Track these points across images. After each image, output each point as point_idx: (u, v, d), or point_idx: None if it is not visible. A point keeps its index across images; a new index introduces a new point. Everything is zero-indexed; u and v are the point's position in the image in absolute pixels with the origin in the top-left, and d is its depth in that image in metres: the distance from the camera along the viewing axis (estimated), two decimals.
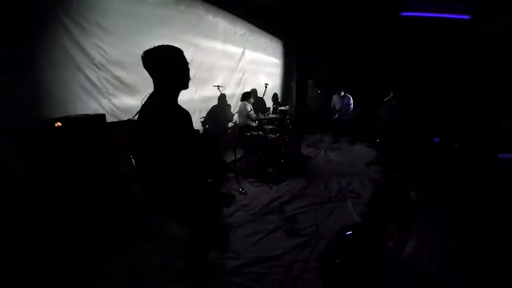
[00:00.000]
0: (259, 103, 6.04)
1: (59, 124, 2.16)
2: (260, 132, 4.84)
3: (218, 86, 4.38)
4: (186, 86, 1.57)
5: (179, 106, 1.53)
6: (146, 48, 1.46)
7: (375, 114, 6.16)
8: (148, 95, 1.54)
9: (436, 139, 4.69)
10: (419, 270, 1.88)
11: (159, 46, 1.47)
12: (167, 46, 1.49)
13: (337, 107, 6.61)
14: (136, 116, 1.56)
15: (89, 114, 2.61)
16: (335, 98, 6.69)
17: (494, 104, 4.98)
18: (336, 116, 6.60)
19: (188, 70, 1.56)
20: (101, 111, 2.89)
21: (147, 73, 1.49)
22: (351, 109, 6.52)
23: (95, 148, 2.45)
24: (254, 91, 6.04)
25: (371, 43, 7.44)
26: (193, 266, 1.94)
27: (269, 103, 7.05)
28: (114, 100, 3.09)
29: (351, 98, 6.52)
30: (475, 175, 3.54)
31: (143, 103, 2.26)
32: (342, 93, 6.52)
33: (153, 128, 1.42)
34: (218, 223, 1.89)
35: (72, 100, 2.68)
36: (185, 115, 1.51)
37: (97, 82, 2.89)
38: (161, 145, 1.44)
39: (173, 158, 1.45)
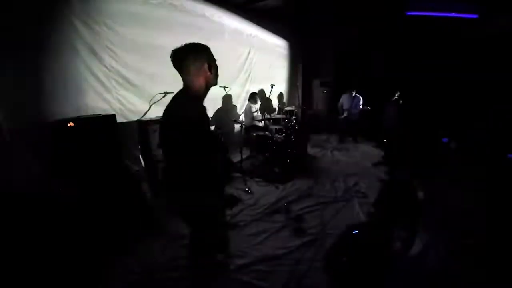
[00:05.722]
0: (265, 103, 6.06)
1: (71, 124, 2.22)
2: (267, 132, 4.85)
3: (224, 86, 4.41)
4: (214, 83, 1.53)
5: (204, 106, 1.48)
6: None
7: (382, 114, 6.11)
8: (177, 92, 1.50)
9: (445, 139, 4.64)
10: (425, 270, 1.87)
11: (186, 44, 1.43)
12: (194, 44, 1.45)
13: (345, 107, 6.49)
14: (145, 117, 1.57)
15: (99, 115, 2.67)
16: (344, 97, 6.56)
17: (504, 103, 4.89)
18: (345, 115, 6.47)
19: (216, 67, 1.52)
20: (110, 112, 2.96)
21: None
22: (360, 109, 6.41)
23: (106, 148, 2.52)
24: (261, 92, 6.08)
25: (377, 42, 7.38)
26: (200, 264, 1.96)
27: (275, 103, 7.07)
28: (123, 101, 3.15)
29: (361, 98, 6.40)
30: (484, 175, 3.49)
31: (151, 104, 2.27)
32: (354, 93, 6.40)
33: (179, 126, 1.39)
34: (221, 224, 1.89)
35: (84, 100, 2.76)
36: (207, 116, 1.47)
37: (107, 83, 2.96)
38: (182, 143, 1.40)
39: (191, 156, 1.43)
